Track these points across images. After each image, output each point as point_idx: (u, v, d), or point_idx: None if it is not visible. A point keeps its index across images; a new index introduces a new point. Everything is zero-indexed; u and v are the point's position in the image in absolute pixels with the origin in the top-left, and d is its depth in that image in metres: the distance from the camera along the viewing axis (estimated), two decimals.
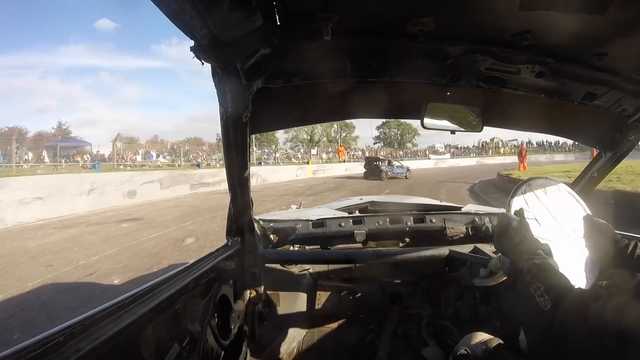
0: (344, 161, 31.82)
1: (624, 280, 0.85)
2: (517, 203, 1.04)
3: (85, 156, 21.74)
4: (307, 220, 1.85)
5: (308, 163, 27.15)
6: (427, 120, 1.47)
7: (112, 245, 6.20)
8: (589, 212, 1.11)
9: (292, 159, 31.38)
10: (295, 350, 1.52)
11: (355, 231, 1.80)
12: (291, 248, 1.75)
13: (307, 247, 1.73)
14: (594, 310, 0.60)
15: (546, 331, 0.65)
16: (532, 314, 0.71)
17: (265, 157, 30.26)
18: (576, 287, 0.70)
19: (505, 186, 12.11)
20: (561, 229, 1.06)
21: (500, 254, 1.26)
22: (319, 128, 44.03)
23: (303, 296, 1.58)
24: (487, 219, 1.90)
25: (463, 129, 1.50)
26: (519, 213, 0.95)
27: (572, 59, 1.18)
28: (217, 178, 15.79)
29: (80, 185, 10.43)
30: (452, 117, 1.47)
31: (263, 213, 2.04)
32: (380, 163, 22.22)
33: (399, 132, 49.00)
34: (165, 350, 0.92)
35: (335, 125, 46.23)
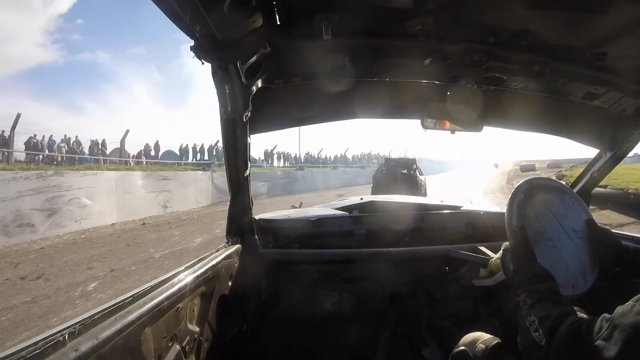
0: None
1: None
2: (514, 207, 1.03)
3: None
4: (307, 220, 1.85)
5: None
6: (427, 120, 1.47)
7: None
8: (589, 213, 1.11)
9: None
10: (295, 350, 1.52)
11: (355, 231, 1.80)
12: (291, 248, 1.74)
13: (307, 247, 1.73)
14: (588, 347, 0.60)
15: None
16: (530, 348, 0.71)
17: None
18: (571, 313, 0.69)
19: None
20: (562, 229, 1.06)
21: (500, 254, 1.26)
22: None
23: (303, 296, 1.57)
24: (487, 218, 1.90)
25: (463, 129, 1.50)
26: (519, 233, 0.94)
27: (572, 59, 1.18)
28: None
29: None
30: (452, 117, 1.47)
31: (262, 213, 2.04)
32: (415, 171, 14.30)
33: None
34: (165, 350, 0.92)
35: None
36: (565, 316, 0.68)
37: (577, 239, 1.05)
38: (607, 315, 0.61)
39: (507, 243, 1.03)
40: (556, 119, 1.57)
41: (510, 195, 1.04)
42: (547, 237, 1.01)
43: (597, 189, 1.80)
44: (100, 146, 16.27)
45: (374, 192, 13.21)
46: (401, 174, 13.60)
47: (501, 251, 1.24)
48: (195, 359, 1.09)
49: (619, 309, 0.60)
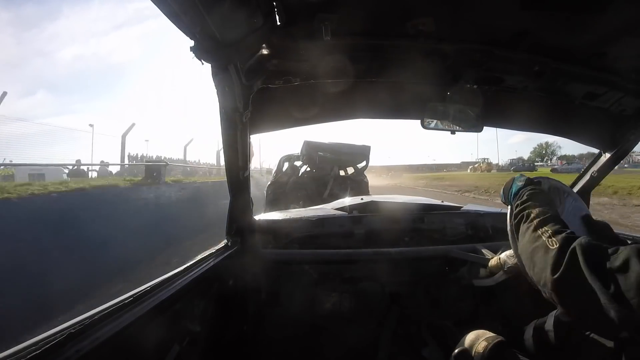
0: None
1: None
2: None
3: None
4: (307, 220, 1.85)
5: None
6: (427, 120, 1.47)
7: None
8: (587, 209, 1.11)
9: None
10: (295, 350, 1.52)
11: (355, 231, 1.80)
12: (291, 248, 1.74)
13: (307, 247, 1.73)
14: (604, 261, 0.60)
15: (555, 265, 0.66)
16: (533, 252, 0.73)
17: None
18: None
19: None
20: None
21: (500, 254, 1.25)
22: None
23: (303, 296, 1.57)
24: (487, 218, 1.89)
25: (463, 129, 1.50)
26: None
27: (572, 59, 1.18)
28: None
29: None
30: (452, 117, 1.47)
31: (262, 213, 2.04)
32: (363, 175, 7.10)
33: None
34: (165, 350, 0.92)
35: None
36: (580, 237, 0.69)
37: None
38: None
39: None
40: (556, 118, 1.57)
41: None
42: None
43: None
44: None
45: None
46: (335, 178, 6.59)
47: (501, 251, 1.24)
48: (195, 359, 1.09)
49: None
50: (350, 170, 7.33)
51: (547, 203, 0.87)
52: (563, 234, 0.70)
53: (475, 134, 1.50)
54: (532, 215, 0.80)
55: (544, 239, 0.72)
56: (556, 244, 0.68)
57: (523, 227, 0.81)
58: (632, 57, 1.12)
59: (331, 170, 6.70)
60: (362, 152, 7.01)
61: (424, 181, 28.81)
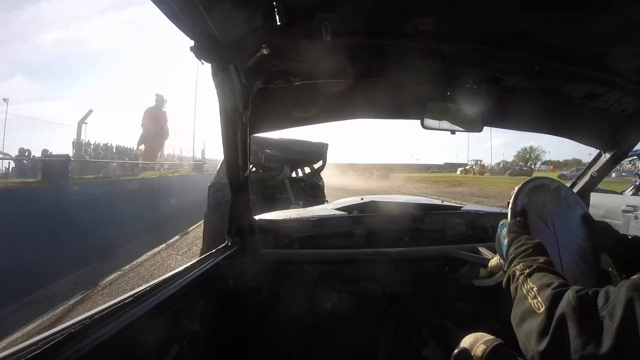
0: None
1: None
2: (518, 204, 1.04)
3: None
4: (307, 220, 1.85)
5: None
6: (427, 121, 1.47)
7: None
8: (585, 208, 1.12)
9: None
10: (295, 351, 1.52)
11: (355, 231, 1.80)
12: (291, 248, 1.74)
13: (307, 247, 1.73)
14: (594, 316, 0.55)
15: (541, 334, 0.59)
16: (522, 318, 0.66)
17: None
18: (571, 287, 0.65)
19: None
20: (561, 229, 1.06)
21: (498, 256, 1.25)
22: None
23: (303, 296, 1.57)
24: (487, 218, 1.90)
25: (463, 129, 1.50)
26: (520, 212, 0.95)
27: (572, 59, 1.18)
28: None
29: None
30: (452, 117, 1.47)
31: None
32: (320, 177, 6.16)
33: None
34: (165, 350, 0.92)
35: None
36: (567, 285, 0.64)
37: (577, 238, 1.04)
38: (612, 287, 0.58)
39: (504, 220, 1.03)
40: (556, 118, 1.57)
41: (512, 196, 1.03)
42: (546, 237, 1.01)
43: None
44: None
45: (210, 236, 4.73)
46: (286, 180, 5.75)
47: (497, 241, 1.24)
48: (195, 359, 1.09)
49: (629, 281, 0.56)
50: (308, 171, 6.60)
51: (529, 237, 0.83)
52: (548, 290, 0.63)
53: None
54: (518, 272, 0.74)
55: (529, 300, 0.65)
56: (542, 307, 0.61)
57: (512, 288, 0.75)
58: (632, 57, 1.12)
59: (281, 171, 5.78)
60: (318, 151, 6.10)
61: (425, 184, 25.03)
